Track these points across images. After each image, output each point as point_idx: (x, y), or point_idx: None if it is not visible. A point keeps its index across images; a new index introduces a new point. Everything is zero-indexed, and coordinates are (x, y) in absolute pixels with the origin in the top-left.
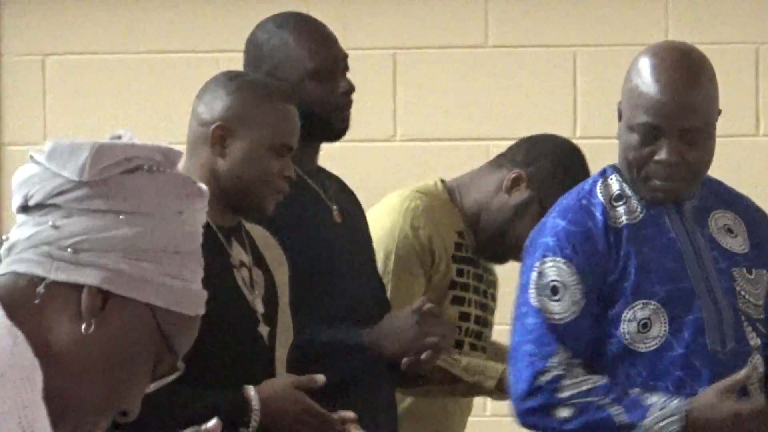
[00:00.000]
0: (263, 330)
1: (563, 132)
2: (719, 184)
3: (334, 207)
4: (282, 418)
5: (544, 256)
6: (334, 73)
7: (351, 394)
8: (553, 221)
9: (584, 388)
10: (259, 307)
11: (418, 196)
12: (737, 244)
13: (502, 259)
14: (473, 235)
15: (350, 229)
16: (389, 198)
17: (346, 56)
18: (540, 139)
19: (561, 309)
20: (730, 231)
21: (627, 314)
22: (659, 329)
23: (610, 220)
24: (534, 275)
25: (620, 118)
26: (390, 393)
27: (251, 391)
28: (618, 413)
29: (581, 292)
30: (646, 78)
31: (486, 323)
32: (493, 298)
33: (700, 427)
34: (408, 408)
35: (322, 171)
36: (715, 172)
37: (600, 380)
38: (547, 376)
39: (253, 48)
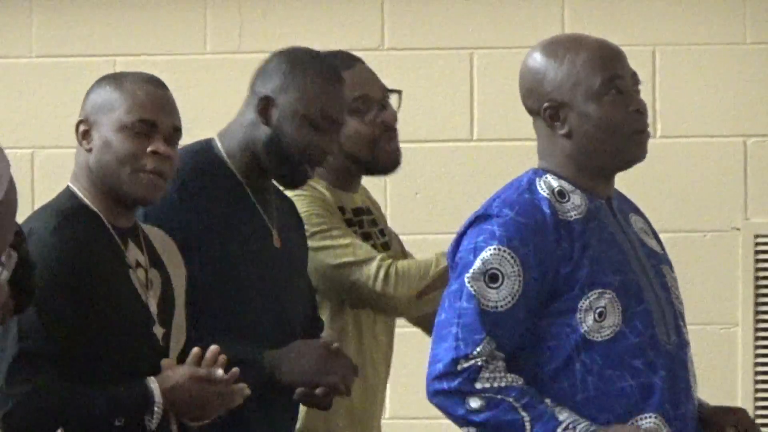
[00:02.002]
0: (158, 331)
1: (461, 134)
2: (619, 192)
3: (274, 231)
4: (186, 403)
5: (488, 243)
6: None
7: (250, 406)
8: (500, 210)
9: (501, 384)
10: (154, 308)
11: None
12: (654, 245)
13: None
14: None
15: (288, 256)
16: None
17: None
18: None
19: (497, 297)
20: (646, 233)
21: (583, 304)
22: (614, 319)
23: (559, 214)
24: (475, 260)
25: (555, 117)
26: (290, 404)
27: (152, 383)
28: (526, 420)
29: (520, 283)
30: (584, 46)
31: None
32: (383, 233)
33: None
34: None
35: (274, 193)
36: (619, 174)
37: (516, 381)
38: (468, 363)
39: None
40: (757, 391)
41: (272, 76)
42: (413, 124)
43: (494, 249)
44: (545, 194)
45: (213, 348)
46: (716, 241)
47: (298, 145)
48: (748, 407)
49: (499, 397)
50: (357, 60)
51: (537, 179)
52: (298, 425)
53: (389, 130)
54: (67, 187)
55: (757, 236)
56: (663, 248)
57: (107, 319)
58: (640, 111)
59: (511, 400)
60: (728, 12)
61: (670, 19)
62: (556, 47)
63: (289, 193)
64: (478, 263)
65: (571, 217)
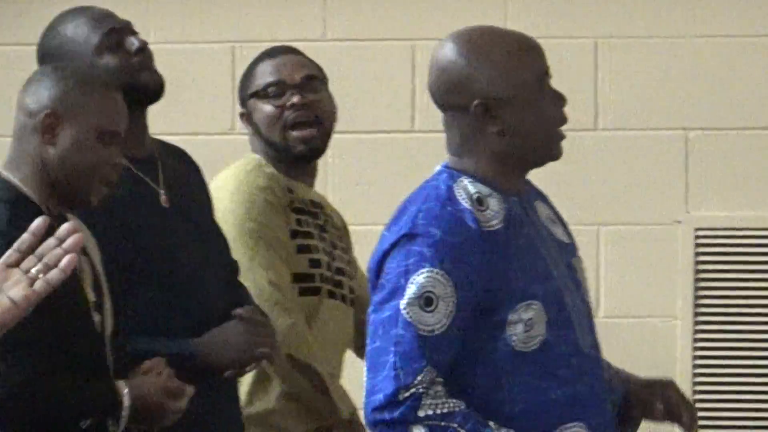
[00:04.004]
0: (96, 317)
1: (402, 125)
2: None
3: (161, 191)
4: (149, 413)
5: (420, 266)
6: (120, 39)
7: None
8: (426, 229)
9: (443, 410)
10: (91, 295)
11: None
12: (561, 233)
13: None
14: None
15: (182, 212)
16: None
17: (127, 23)
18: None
19: (433, 321)
20: (552, 221)
21: (512, 317)
22: (540, 329)
23: (483, 225)
24: (410, 285)
25: (487, 113)
26: (232, 399)
27: (123, 387)
28: None
29: (454, 304)
30: (512, 40)
31: (345, 273)
32: (345, 251)
33: None
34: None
35: (151, 158)
36: (554, 166)
37: (459, 406)
38: (409, 392)
39: (44, 56)
40: (695, 384)
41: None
42: (355, 115)
43: (427, 272)
44: (467, 205)
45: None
46: (657, 234)
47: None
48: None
49: (443, 424)
50: (287, 51)
51: (454, 186)
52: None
53: (298, 110)
54: None
55: (697, 229)
56: (571, 236)
57: (51, 306)
58: (564, 106)
59: (455, 426)
60: (670, 5)
61: (612, 12)
62: (481, 41)
63: (232, 179)
64: (412, 288)
65: (494, 226)
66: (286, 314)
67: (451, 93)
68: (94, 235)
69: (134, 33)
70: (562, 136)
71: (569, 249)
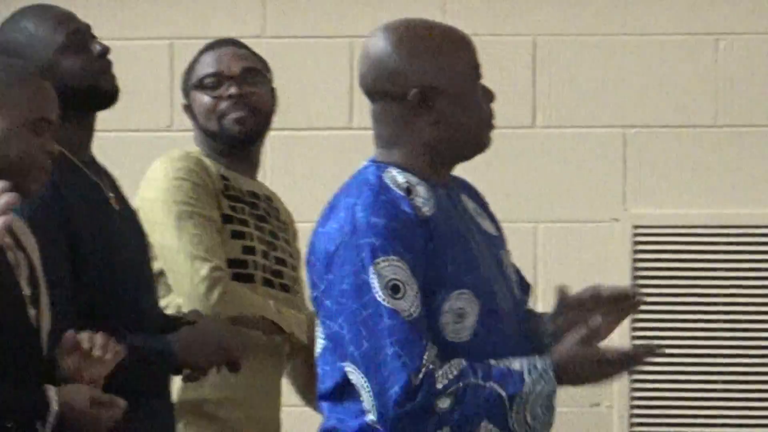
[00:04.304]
0: (31, 312)
1: (340, 122)
2: None
3: (111, 195)
4: (78, 423)
5: (376, 257)
6: (84, 40)
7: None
8: (368, 219)
9: (455, 372)
10: (27, 289)
11: None
12: (488, 226)
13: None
14: None
15: (128, 218)
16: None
17: (88, 27)
18: None
19: (407, 305)
20: (479, 213)
21: (445, 305)
22: (472, 319)
23: (418, 212)
24: (372, 277)
25: (423, 103)
26: (168, 398)
27: (50, 391)
28: (497, 388)
29: (416, 286)
30: (449, 33)
31: (286, 264)
32: (288, 243)
33: (570, 377)
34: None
35: (95, 162)
36: (491, 163)
37: (460, 363)
38: (422, 373)
39: (1, 49)
40: (633, 381)
41: None
42: (293, 112)
43: (382, 261)
44: (400, 192)
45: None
46: (595, 231)
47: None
48: (624, 396)
49: (461, 384)
50: (230, 43)
51: (383, 175)
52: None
53: (234, 101)
54: None
55: (635, 227)
56: (499, 228)
57: None
58: (492, 101)
59: (472, 380)
60: (608, 3)
61: (550, 9)
62: (414, 31)
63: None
64: (376, 280)
65: (426, 213)
66: (216, 286)
67: (386, 81)
68: (57, 233)
69: (94, 37)
70: (490, 130)
71: (497, 242)
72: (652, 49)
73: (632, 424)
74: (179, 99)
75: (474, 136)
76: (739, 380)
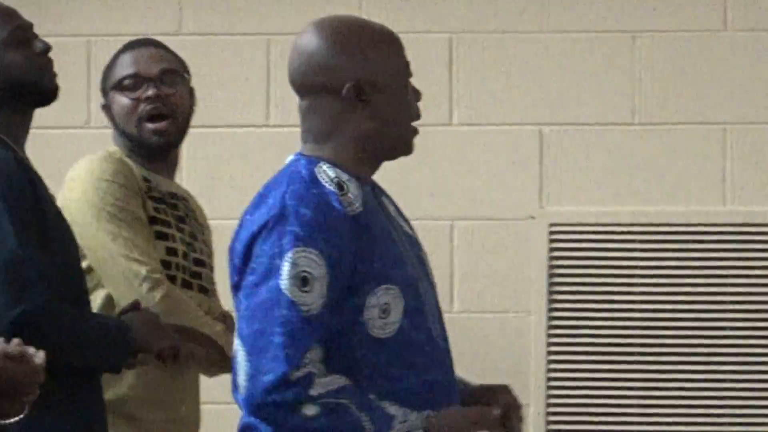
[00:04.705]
0: None
1: (257, 120)
2: None
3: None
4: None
5: (294, 245)
6: (28, 37)
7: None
8: (296, 209)
9: (334, 387)
10: None
11: None
12: (408, 228)
13: None
14: None
15: (60, 211)
16: None
17: (31, 24)
18: None
19: (310, 300)
20: (399, 215)
21: (371, 300)
22: (396, 315)
23: (347, 208)
24: (285, 265)
25: (359, 97)
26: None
27: None
28: (366, 421)
29: (327, 283)
30: (383, 31)
31: (205, 265)
32: (206, 244)
33: None
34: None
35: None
36: (409, 161)
37: (344, 382)
38: (302, 372)
39: None
40: (549, 380)
41: None
42: (210, 109)
43: (300, 251)
44: (331, 188)
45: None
46: (511, 229)
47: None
48: (541, 394)
49: (333, 401)
50: (149, 44)
51: (315, 169)
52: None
53: (152, 103)
54: None
55: (551, 225)
56: (413, 231)
57: None
58: (419, 101)
59: (346, 401)
60: (524, 1)
61: (467, 7)
62: (347, 28)
63: (83, 169)
64: (287, 267)
65: (355, 210)
66: (158, 287)
67: (320, 75)
68: (29, 208)
69: (36, 35)
70: (416, 131)
71: (415, 242)
72: (568, 47)
73: (548, 422)
74: (96, 96)
75: (402, 135)
76: (655, 377)
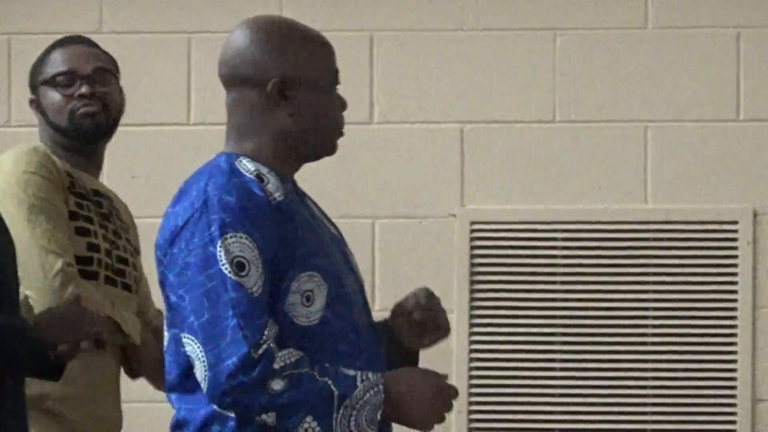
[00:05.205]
0: None
1: (179, 118)
2: None
3: None
4: None
5: (225, 232)
6: None
7: None
8: (219, 197)
9: (293, 359)
10: None
11: None
12: (333, 229)
13: None
14: None
15: None
16: None
17: None
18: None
19: (251, 283)
20: (322, 216)
21: (294, 286)
22: (320, 303)
23: (269, 197)
24: (220, 251)
25: (282, 94)
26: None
27: None
28: (331, 384)
29: (262, 266)
30: (310, 39)
31: (128, 263)
32: (130, 242)
33: (400, 396)
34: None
35: None
36: (330, 159)
37: (299, 353)
38: (262, 349)
39: None
40: (471, 377)
41: None
42: (131, 107)
43: (230, 237)
44: (252, 176)
45: None
46: (433, 227)
47: None
48: (462, 392)
49: (297, 371)
50: (81, 41)
51: (235, 162)
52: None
53: (86, 100)
54: None
55: (473, 223)
56: (340, 232)
57: None
58: (344, 110)
59: (307, 370)
60: None
61: (387, 5)
62: (279, 26)
63: (8, 160)
64: (223, 254)
65: (277, 198)
66: (71, 282)
67: (247, 69)
68: None
69: None
70: (337, 138)
71: (340, 240)
72: (490, 44)
73: (471, 420)
74: (18, 94)
75: (326, 134)
76: (576, 375)
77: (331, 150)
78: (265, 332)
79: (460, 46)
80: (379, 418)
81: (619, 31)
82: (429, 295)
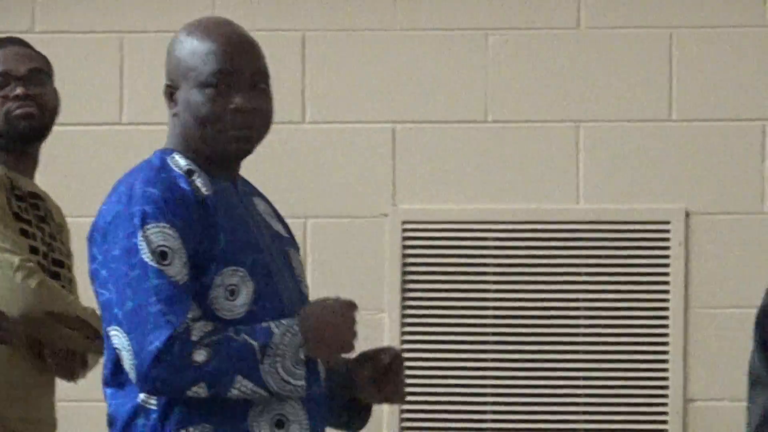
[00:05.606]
0: None
1: (109, 118)
2: (241, 175)
3: None
4: None
5: (146, 222)
6: None
7: None
8: (143, 189)
9: (209, 327)
10: None
11: None
12: (281, 228)
13: None
14: None
15: None
16: None
17: None
18: None
19: (174, 272)
20: (271, 216)
21: (217, 280)
22: (245, 298)
23: (195, 191)
24: (141, 242)
25: (171, 97)
26: None
27: None
28: (250, 341)
29: (186, 255)
30: (200, 39)
31: (64, 265)
32: (64, 244)
33: (314, 330)
34: None
35: None
36: (261, 158)
37: (213, 323)
38: (181, 328)
39: None
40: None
41: None
42: (63, 107)
43: (151, 227)
44: (180, 171)
45: None
46: (364, 226)
47: None
48: None
49: (215, 338)
50: (15, 42)
51: (167, 158)
52: None
53: (21, 101)
54: None
55: (404, 222)
56: (290, 232)
57: None
58: (239, 110)
59: (226, 334)
60: None
61: (319, 5)
62: (189, 29)
63: None
64: (144, 244)
65: (204, 194)
66: (33, 275)
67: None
68: None
69: None
70: (231, 137)
71: (285, 240)
72: (422, 45)
73: (402, 419)
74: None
75: (210, 134)
76: (508, 374)
77: (229, 152)
78: (189, 315)
79: (392, 46)
80: (302, 356)
81: (552, 31)
82: (394, 355)
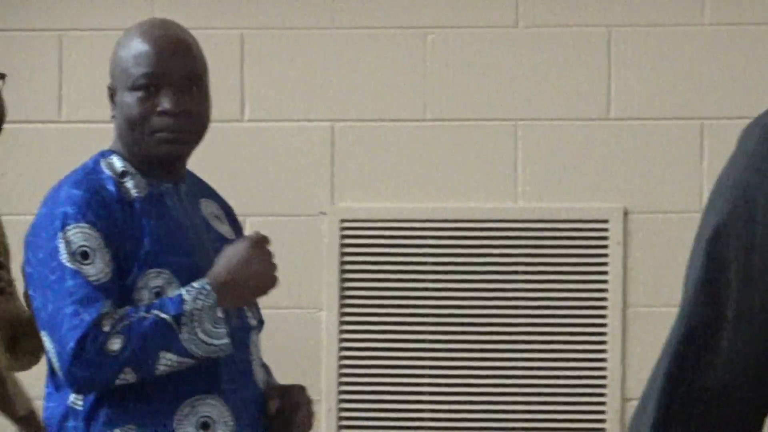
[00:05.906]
0: None
1: (48, 116)
2: (195, 176)
3: None
4: None
5: (66, 224)
6: None
7: None
8: (68, 192)
9: (118, 314)
10: None
11: None
12: (226, 230)
13: None
14: None
15: None
16: None
17: None
18: None
19: (95, 271)
20: (218, 218)
21: (141, 282)
22: None
23: (122, 193)
24: (61, 244)
25: (113, 98)
26: None
27: None
28: (161, 315)
29: (109, 255)
30: (135, 42)
31: (2, 266)
32: (1, 243)
33: (229, 283)
34: None
35: None
36: (200, 157)
37: (125, 308)
38: (93, 323)
39: None
40: (341, 375)
41: None
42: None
43: (72, 228)
44: (109, 173)
45: None
46: (303, 225)
47: None
48: (332, 390)
49: (126, 322)
50: None
51: (102, 159)
52: None
53: None
54: None
55: (343, 221)
56: (241, 233)
57: None
58: (167, 112)
59: (135, 315)
60: None
61: (257, 4)
62: (130, 32)
63: None
64: (63, 245)
65: (132, 196)
66: None
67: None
68: None
69: None
70: (157, 139)
71: (228, 242)
72: (360, 42)
73: (340, 417)
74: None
75: (137, 136)
76: (446, 373)
77: (156, 154)
78: (102, 311)
79: (331, 44)
80: (221, 315)
81: (490, 29)
82: (300, 390)
